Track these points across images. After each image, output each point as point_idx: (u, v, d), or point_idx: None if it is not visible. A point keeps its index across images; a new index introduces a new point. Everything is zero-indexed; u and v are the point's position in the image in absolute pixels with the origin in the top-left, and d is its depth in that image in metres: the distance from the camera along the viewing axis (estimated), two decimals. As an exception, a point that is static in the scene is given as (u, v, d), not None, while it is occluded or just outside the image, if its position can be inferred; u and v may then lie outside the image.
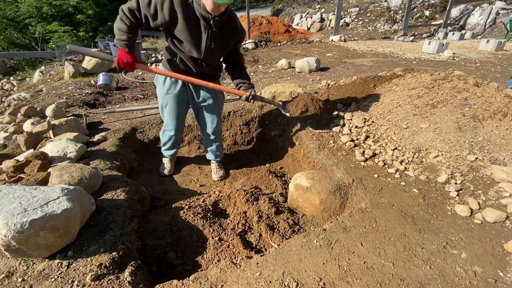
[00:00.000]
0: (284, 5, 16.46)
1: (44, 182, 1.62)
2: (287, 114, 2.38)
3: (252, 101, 2.08)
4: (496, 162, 1.86)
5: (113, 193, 1.73)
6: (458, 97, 2.33)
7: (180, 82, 2.14)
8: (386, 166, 2.05)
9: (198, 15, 1.79)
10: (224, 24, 1.88)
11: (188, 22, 1.79)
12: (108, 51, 6.06)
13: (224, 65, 2.25)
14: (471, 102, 2.26)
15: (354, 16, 12.86)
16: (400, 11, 11.82)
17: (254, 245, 1.62)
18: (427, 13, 11.87)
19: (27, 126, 2.50)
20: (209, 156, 2.62)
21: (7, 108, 3.51)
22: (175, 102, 2.20)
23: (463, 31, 9.59)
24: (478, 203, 1.64)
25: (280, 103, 2.37)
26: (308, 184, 1.91)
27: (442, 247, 1.39)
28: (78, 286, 1.14)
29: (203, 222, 1.70)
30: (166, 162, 2.63)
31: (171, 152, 2.56)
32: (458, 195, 1.73)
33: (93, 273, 1.18)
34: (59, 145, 2.08)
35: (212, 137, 2.44)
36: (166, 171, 2.59)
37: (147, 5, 1.74)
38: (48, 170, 1.71)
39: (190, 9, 1.78)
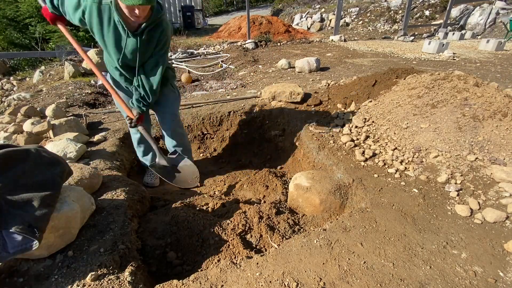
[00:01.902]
0: (284, 5, 16.46)
1: (44, 182, 1.62)
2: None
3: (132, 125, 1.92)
4: (496, 162, 1.86)
5: (113, 193, 1.73)
6: (458, 97, 2.33)
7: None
8: (386, 166, 2.05)
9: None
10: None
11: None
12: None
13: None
14: (471, 102, 2.26)
15: (354, 16, 12.86)
16: (400, 11, 11.82)
17: (254, 245, 1.62)
18: (427, 13, 11.87)
19: (27, 126, 2.50)
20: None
21: (7, 108, 3.51)
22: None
23: (463, 31, 9.59)
24: (478, 203, 1.64)
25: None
26: (308, 184, 1.91)
27: (442, 247, 1.39)
28: (78, 286, 1.14)
29: (203, 222, 1.70)
30: (148, 172, 2.45)
31: (145, 159, 2.40)
32: (458, 195, 1.72)
33: (93, 273, 1.18)
34: (59, 145, 2.08)
35: (171, 138, 2.26)
36: (148, 181, 2.42)
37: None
38: (48, 170, 1.70)
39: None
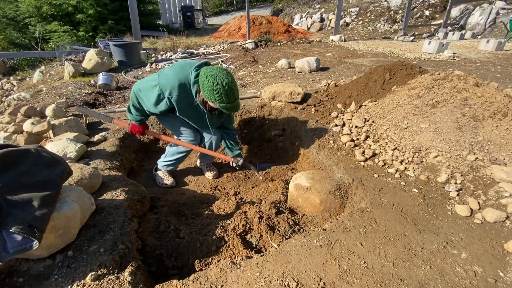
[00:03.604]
0: (284, 5, 16.46)
1: (44, 182, 1.62)
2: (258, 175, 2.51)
3: (236, 166, 2.39)
4: (496, 162, 1.86)
5: (113, 193, 1.73)
6: (458, 97, 2.33)
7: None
8: (386, 166, 2.05)
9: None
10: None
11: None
12: (108, 51, 6.06)
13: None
14: (471, 102, 2.26)
15: (354, 16, 12.85)
16: (400, 11, 11.81)
17: (254, 245, 1.62)
18: (427, 13, 11.87)
19: (27, 126, 2.50)
20: (203, 159, 2.63)
21: (7, 108, 3.51)
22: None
23: (463, 31, 9.59)
24: (478, 203, 1.64)
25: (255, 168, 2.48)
26: (308, 184, 1.91)
27: (442, 247, 1.39)
28: (78, 286, 1.14)
29: (203, 222, 1.70)
30: (163, 174, 2.49)
31: (172, 167, 2.50)
32: (458, 195, 1.72)
33: (93, 273, 1.18)
34: (59, 145, 2.08)
35: (209, 149, 2.40)
36: (169, 182, 2.46)
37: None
38: (48, 170, 1.70)
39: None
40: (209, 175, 2.59)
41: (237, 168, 2.48)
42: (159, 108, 2.00)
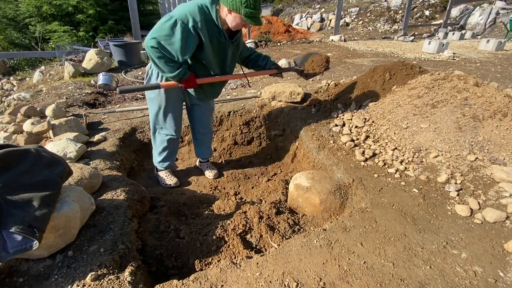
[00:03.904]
0: (284, 5, 16.45)
1: (44, 182, 1.62)
2: (304, 76, 2.48)
3: (281, 73, 2.35)
4: (496, 162, 1.86)
5: (113, 193, 1.73)
6: (458, 97, 2.33)
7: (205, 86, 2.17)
8: (386, 166, 2.05)
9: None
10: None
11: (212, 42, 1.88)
12: (108, 51, 6.06)
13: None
14: (471, 102, 2.26)
15: (354, 16, 12.85)
16: (400, 11, 11.81)
17: (254, 245, 1.62)
18: (427, 13, 11.87)
19: (27, 126, 2.50)
20: (204, 153, 2.59)
21: (7, 108, 3.51)
22: (175, 100, 2.14)
23: (463, 31, 9.59)
24: (478, 203, 1.64)
25: (296, 67, 2.50)
26: (308, 184, 1.91)
27: (442, 247, 1.39)
28: (78, 286, 1.14)
29: (203, 222, 1.70)
30: (165, 175, 2.44)
31: (168, 163, 2.41)
32: (458, 195, 1.72)
33: (93, 273, 1.18)
34: (59, 145, 2.08)
35: (205, 132, 2.45)
36: (172, 183, 2.41)
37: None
38: (48, 170, 1.70)
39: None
40: (209, 174, 2.57)
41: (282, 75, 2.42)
42: (188, 49, 1.77)
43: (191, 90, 2.13)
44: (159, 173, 2.48)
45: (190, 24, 1.70)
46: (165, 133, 2.27)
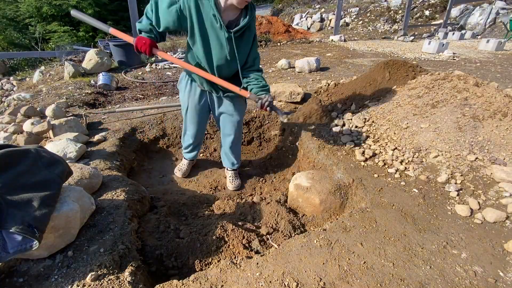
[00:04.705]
0: (284, 5, 16.45)
1: (44, 182, 1.62)
2: (284, 120, 2.02)
3: (267, 108, 1.84)
4: (496, 162, 1.86)
5: (113, 193, 1.73)
6: (458, 97, 2.33)
7: (198, 90, 2.07)
8: (386, 166, 2.05)
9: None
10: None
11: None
12: (108, 51, 6.06)
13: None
14: (471, 102, 2.26)
15: (354, 16, 12.85)
16: (400, 11, 11.81)
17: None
18: (427, 13, 11.87)
19: (27, 126, 2.50)
20: (226, 163, 2.50)
21: (7, 108, 3.51)
22: (195, 108, 2.16)
23: (463, 31, 9.59)
24: (478, 203, 1.64)
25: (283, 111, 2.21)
26: (308, 184, 1.91)
27: (442, 247, 1.39)
28: (78, 286, 1.14)
29: (203, 222, 1.70)
30: (183, 164, 2.58)
31: (190, 155, 2.52)
32: (458, 195, 1.72)
33: (93, 273, 1.18)
34: (59, 145, 2.08)
35: (230, 144, 2.31)
36: (179, 173, 2.53)
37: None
38: (48, 170, 1.70)
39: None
40: (230, 186, 2.42)
41: (267, 109, 1.89)
42: (165, 21, 1.63)
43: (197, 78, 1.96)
44: (183, 159, 2.61)
45: (180, 3, 1.58)
46: (185, 133, 2.38)
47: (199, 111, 2.19)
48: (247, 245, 1.59)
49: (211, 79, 1.81)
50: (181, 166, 2.58)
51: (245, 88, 1.89)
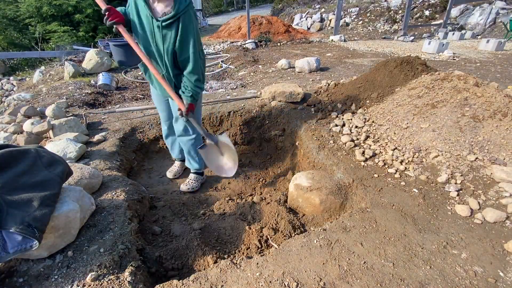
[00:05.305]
0: (284, 5, 16.45)
1: (44, 182, 1.62)
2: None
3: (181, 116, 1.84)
4: (496, 162, 1.86)
5: (113, 193, 1.73)
6: (458, 97, 2.33)
7: (154, 78, 1.98)
8: (386, 166, 2.05)
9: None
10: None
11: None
12: (108, 51, 6.06)
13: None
14: (471, 102, 2.26)
15: (354, 16, 12.85)
16: (400, 11, 11.81)
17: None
18: (427, 13, 11.86)
19: (27, 126, 2.50)
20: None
21: (7, 108, 3.51)
22: (156, 94, 2.15)
23: (463, 31, 9.58)
24: (478, 203, 1.64)
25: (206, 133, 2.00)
26: (308, 184, 1.91)
27: (442, 247, 1.39)
28: (78, 286, 1.14)
29: (203, 222, 1.70)
30: (174, 165, 2.60)
31: (173, 154, 2.53)
32: (458, 195, 1.72)
33: (93, 273, 1.18)
34: (59, 145, 2.08)
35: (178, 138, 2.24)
36: (170, 174, 2.55)
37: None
38: (48, 170, 1.70)
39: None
40: (182, 187, 2.35)
41: (183, 120, 1.88)
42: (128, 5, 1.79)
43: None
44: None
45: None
46: (162, 126, 2.40)
47: (159, 98, 2.16)
48: (249, 246, 1.59)
49: (155, 74, 1.84)
50: (172, 167, 2.59)
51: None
